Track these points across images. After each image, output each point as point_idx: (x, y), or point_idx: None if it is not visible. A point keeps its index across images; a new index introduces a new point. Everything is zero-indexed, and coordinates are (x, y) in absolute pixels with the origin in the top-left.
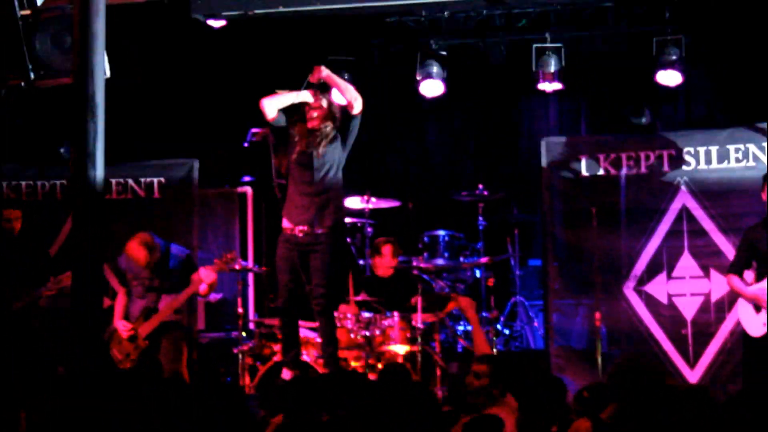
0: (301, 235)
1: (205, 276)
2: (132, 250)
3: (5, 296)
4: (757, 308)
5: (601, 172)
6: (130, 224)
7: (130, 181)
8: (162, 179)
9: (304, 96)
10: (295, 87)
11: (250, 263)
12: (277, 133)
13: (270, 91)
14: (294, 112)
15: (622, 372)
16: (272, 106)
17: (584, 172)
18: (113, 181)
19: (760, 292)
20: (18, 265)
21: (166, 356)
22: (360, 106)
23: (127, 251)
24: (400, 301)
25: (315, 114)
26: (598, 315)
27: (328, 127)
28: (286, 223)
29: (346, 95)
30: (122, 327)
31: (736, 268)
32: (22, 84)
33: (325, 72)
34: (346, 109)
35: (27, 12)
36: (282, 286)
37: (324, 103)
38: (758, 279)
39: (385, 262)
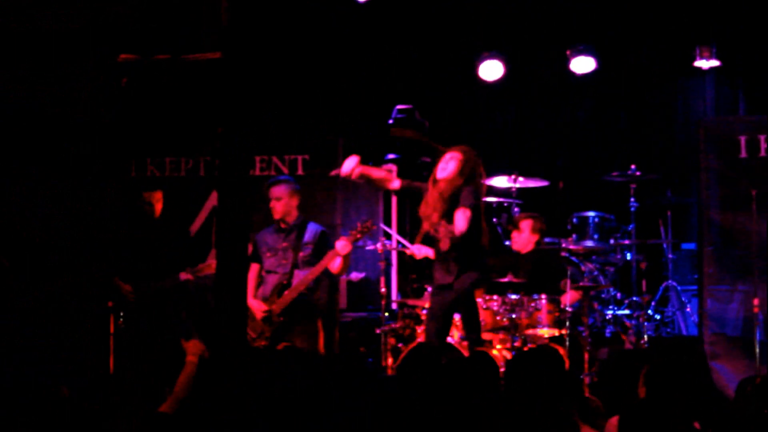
0: None
1: (341, 247)
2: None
3: (145, 278)
4: None
5: (761, 153)
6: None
7: (274, 158)
8: (306, 156)
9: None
10: None
11: (394, 243)
12: None
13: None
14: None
15: None
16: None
17: (743, 154)
18: (257, 157)
19: None
20: (158, 248)
21: (302, 337)
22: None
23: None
24: (546, 283)
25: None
26: (756, 301)
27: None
28: None
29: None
30: (256, 306)
31: None
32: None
33: (356, 170)
34: None
35: None
36: None
37: None
38: None
39: (522, 238)
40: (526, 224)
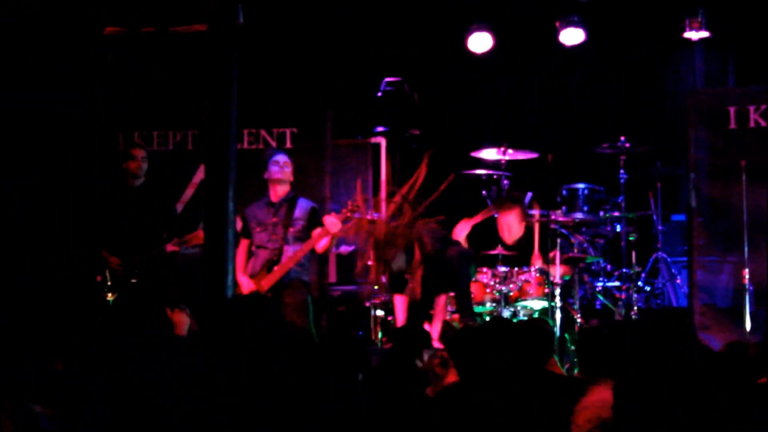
0: None
1: (331, 225)
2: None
3: (131, 250)
4: None
5: (751, 124)
6: (260, 175)
7: (262, 131)
8: (294, 129)
9: None
10: None
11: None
12: None
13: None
14: None
15: None
16: None
17: (733, 125)
18: (245, 131)
19: None
20: (143, 220)
21: (292, 313)
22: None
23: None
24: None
25: None
26: (745, 272)
27: None
28: None
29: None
30: (245, 283)
31: None
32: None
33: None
34: None
35: None
36: None
37: None
38: None
39: (512, 233)
40: (511, 217)
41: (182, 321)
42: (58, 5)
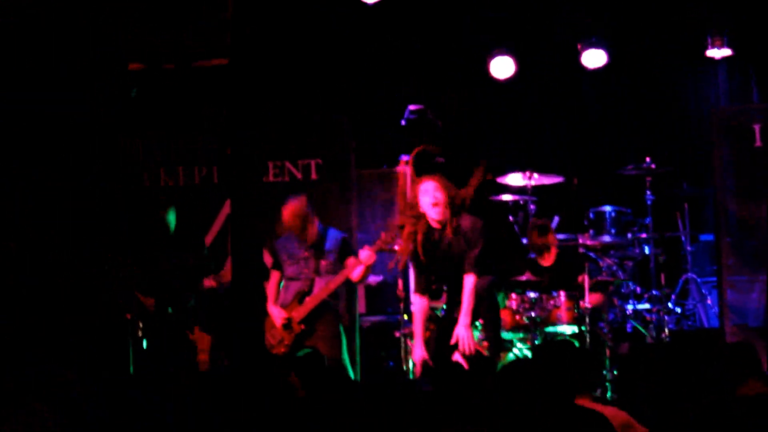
0: None
1: (365, 258)
2: (287, 208)
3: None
4: None
5: None
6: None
7: (287, 163)
8: (319, 160)
9: None
10: None
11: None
12: None
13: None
14: None
15: None
16: None
17: (758, 143)
18: (270, 163)
19: None
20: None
21: (324, 343)
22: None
23: (283, 213)
24: (566, 279)
25: None
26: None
27: None
28: None
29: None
30: (276, 314)
31: None
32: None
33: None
34: None
35: None
36: None
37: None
38: None
39: (552, 254)
40: (553, 239)
41: (203, 341)
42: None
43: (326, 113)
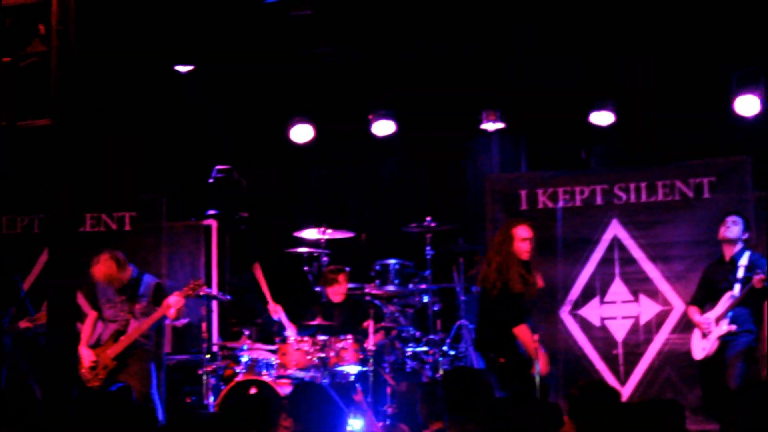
0: None
1: (174, 302)
2: (100, 265)
3: None
4: (704, 335)
5: (539, 206)
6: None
7: (103, 215)
8: (133, 213)
9: None
10: None
11: (215, 290)
12: None
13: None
14: None
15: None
16: None
17: (524, 206)
18: (87, 215)
19: (704, 320)
20: None
21: (135, 378)
22: None
23: (94, 269)
24: (354, 324)
25: None
26: (536, 337)
27: None
28: None
29: None
30: (86, 355)
31: (695, 300)
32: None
33: None
34: None
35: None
36: None
37: None
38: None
39: (340, 289)
40: (342, 277)
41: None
42: None
43: (140, 170)
